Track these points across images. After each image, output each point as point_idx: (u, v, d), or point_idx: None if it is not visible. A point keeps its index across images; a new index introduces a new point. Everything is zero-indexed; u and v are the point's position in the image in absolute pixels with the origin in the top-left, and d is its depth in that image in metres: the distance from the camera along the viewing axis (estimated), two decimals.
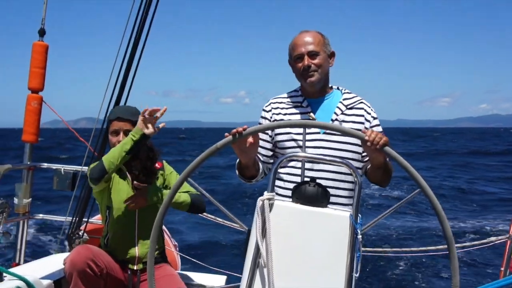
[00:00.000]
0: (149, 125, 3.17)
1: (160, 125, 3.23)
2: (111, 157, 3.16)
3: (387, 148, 2.31)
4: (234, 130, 2.37)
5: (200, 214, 3.73)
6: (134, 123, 3.30)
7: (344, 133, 2.62)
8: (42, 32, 4.76)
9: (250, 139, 2.57)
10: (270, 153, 3.07)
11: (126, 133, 3.29)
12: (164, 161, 3.52)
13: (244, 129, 2.34)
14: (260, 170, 2.98)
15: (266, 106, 3.11)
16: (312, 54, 2.92)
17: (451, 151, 50.34)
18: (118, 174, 3.40)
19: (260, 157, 3.04)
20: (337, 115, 2.96)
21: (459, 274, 2.07)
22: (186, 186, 3.43)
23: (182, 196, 3.36)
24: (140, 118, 3.16)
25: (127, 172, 3.37)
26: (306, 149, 2.91)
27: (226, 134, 2.35)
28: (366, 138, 2.36)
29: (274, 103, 3.09)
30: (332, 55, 3.02)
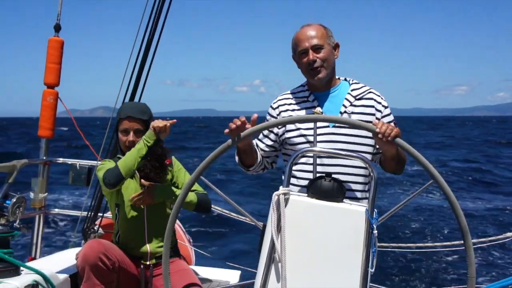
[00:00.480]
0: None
1: (170, 122, 3.21)
2: (128, 163, 3.15)
3: (399, 140, 2.29)
4: (234, 125, 2.46)
5: (216, 209, 3.73)
6: (144, 122, 3.31)
7: (354, 126, 2.58)
8: (57, 28, 4.78)
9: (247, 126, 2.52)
10: (271, 148, 3.06)
11: (136, 132, 3.30)
12: (173, 157, 3.52)
13: (242, 122, 2.43)
14: (259, 160, 2.99)
15: (274, 103, 3.10)
16: (317, 48, 2.87)
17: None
18: None
19: (259, 149, 3.05)
20: (346, 107, 2.92)
21: (474, 265, 2.05)
22: (194, 185, 3.40)
23: (189, 196, 3.34)
24: (155, 123, 3.16)
25: (135, 170, 3.37)
26: (317, 143, 2.88)
27: (226, 131, 2.42)
28: (377, 130, 2.33)
29: (282, 99, 3.08)
30: (336, 46, 2.98)
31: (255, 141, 3.08)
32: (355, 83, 3.02)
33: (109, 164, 3.31)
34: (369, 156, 2.88)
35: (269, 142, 3.06)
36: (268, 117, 3.10)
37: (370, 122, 2.82)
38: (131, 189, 3.37)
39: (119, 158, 3.35)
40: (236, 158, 2.99)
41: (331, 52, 2.92)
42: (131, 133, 3.31)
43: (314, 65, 2.87)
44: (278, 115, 3.04)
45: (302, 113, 2.97)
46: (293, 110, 3.00)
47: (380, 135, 2.34)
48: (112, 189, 3.23)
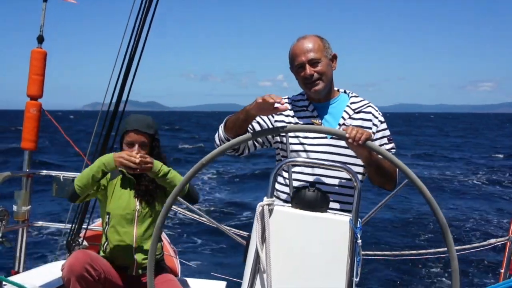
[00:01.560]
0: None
1: (140, 160, 3.20)
2: (82, 180, 3.21)
3: (369, 142, 2.33)
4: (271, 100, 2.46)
5: (202, 219, 3.71)
6: (150, 136, 3.33)
7: (326, 133, 2.69)
8: (40, 39, 4.76)
9: (281, 106, 2.52)
10: (258, 142, 3.04)
11: (141, 145, 3.30)
12: (171, 169, 3.50)
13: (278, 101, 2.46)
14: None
15: None
16: (314, 62, 2.85)
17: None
18: (120, 180, 3.41)
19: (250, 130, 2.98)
20: (345, 119, 2.91)
21: (456, 259, 2.09)
22: (177, 176, 3.36)
23: (180, 178, 3.28)
24: (119, 159, 3.17)
25: (133, 179, 3.37)
26: (313, 153, 2.87)
27: (260, 101, 2.49)
28: (347, 135, 2.35)
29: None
30: (334, 58, 2.95)
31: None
32: (354, 96, 3.02)
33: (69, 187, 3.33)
34: (362, 169, 2.86)
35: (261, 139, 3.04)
36: (258, 118, 3.00)
37: None
38: (123, 199, 3.37)
39: (121, 171, 3.39)
40: (222, 126, 2.94)
41: (328, 64, 2.90)
42: (137, 146, 3.29)
43: (311, 79, 2.86)
44: (273, 117, 3.00)
45: (303, 121, 2.94)
46: (293, 116, 2.97)
47: (350, 140, 2.35)
48: (73, 202, 3.35)
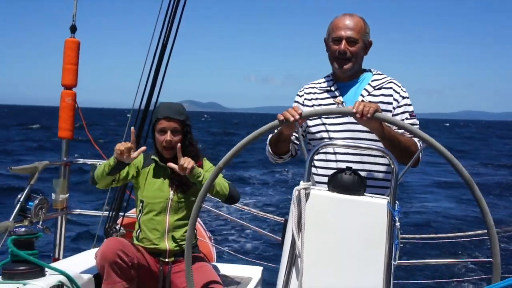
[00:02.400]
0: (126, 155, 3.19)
1: (140, 150, 3.25)
2: (99, 174, 3.31)
3: (378, 114, 2.30)
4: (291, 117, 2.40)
5: (238, 206, 3.73)
6: (181, 122, 3.34)
7: (333, 113, 2.74)
8: (73, 29, 4.80)
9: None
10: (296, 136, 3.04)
11: (173, 132, 3.32)
12: (205, 159, 3.52)
13: (299, 113, 2.39)
14: (290, 147, 3.01)
15: (300, 91, 3.15)
16: (351, 41, 2.87)
17: None
18: (153, 169, 3.43)
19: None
20: (363, 96, 2.91)
21: (490, 215, 2.03)
22: (219, 178, 3.37)
23: (223, 183, 3.33)
24: (118, 151, 3.17)
25: (167, 168, 3.39)
26: (334, 135, 2.89)
27: (281, 118, 2.39)
28: (354, 110, 2.32)
29: (307, 88, 3.12)
30: (369, 44, 2.98)
31: None
32: (378, 74, 3.01)
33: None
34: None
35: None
36: (294, 103, 3.13)
37: (390, 111, 2.81)
38: (156, 187, 3.39)
39: (154, 159, 3.42)
40: (268, 148, 3.01)
41: (362, 48, 2.92)
42: (169, 133, 3.32)
43: (344, 55, 2.88)
44: (302, 102, 3.09)
45: (327, 101, 2.99)
46: (316, 99, 3.04)
47: (358, 115, 2.32)
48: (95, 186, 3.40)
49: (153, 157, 3.43)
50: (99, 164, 4.80)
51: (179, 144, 3.23)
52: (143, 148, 3.26)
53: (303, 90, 3.14)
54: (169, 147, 3.32)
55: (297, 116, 2.37)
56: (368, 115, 2.30)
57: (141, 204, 3.45)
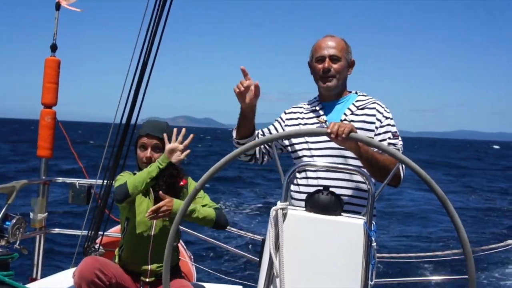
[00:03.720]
0: (177, 153, 3.27)
1: (186, 152, 3.31)
2: (136, 182, 3.24)
3: (353, 134, 2.32)
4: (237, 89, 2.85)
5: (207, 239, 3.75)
6: (162, 140, 3.37)
7: (307, 134, 2.77)
8: (54, 48, 4.80)
9: (251, 87, 2.85)
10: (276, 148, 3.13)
11: (153, 148, 3.37)
12: (189, 178, 3.52)
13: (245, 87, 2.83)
14: (255, 134, 3.11)
15: (287, 110, 3.24)
16: (334, 59, 2.95)
17: None
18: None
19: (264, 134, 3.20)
20: (346, 115, 2.95)
21: (464, 231, 2.04)
22: (206, 199, 3.43)
23: (208, 211, 3.34)
24: (168, 147, 3.26)
25: (150, 189, 3.39)
26: (315, 153, 2.94)
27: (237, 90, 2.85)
28: (329, 131, 2.35)
29: (295, 108, 3.20)
30: (352, 64, 3.05)
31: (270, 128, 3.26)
32: (363, 95, 3.07)
33: (125, 177, 3.35)
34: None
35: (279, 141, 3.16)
36: (277, 118, 3.26)
37: (372, 131, 2.85)
38: (143, 206, 3.37)
39: (135, 173, 3.41)
40: (234, 134, 3.10)
41: (346, 67, 3.00)
42: (149, 149, 3.37)
43: (327, 73, 2.95)
44: (284, 121, 3.19)
45: (311, 121, 3.05)
46: (303, 118, 3.10)
47: (332, 135, 2.36)
48: (120, 203, 3.30)
49: (135, 172, 3.44)
50: (79, 183, 4.78)
51: (160, 192, 3.27)
52: (192, 135, 3.33)
53: (290, 109, 3.22)
54: (147, 165, 3.33)
55: (242, 88, 2.83)
56: (343, 135, 2.33)
57: (126, 222, 3.44)
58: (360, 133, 2.58)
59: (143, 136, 3.40)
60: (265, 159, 3.19)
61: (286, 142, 3.12)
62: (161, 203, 3.21)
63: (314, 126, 3.00)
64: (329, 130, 2.35)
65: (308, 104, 3.15)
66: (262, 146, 3.15)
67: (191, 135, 3.34)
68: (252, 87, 2.88)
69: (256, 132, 3.16)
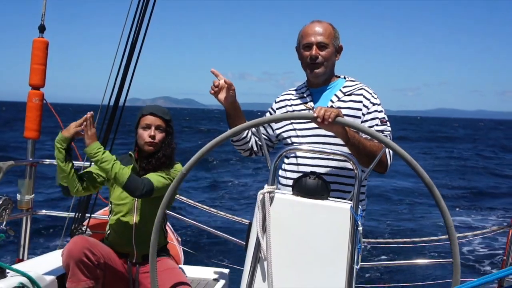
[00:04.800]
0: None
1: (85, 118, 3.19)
2: (58, 172, 3.23)
3: (339, 119, 2.34)
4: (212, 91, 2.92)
5: (204, 208, 3.74)
6: (165, 121, 3.38)
7: (293, 118, 2.80)
8: (42, 28, 4.74)
9: (222, 84, 2.90)
10: (265, 137, 3.18)
11: (157, 127, 3.35)
12: (178, 164, 3.49)
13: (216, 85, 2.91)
14: (250, 141, 3.15)
15: (277, 98, 3.24)
16: (321, 46, 2.92)
17: None
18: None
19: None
20: (333, 102, 2.95)
21: (449, 214, 2.08)
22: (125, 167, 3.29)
23: (123, 170, 3.22)
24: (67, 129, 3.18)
25: (136, 164, 3.40)
26: (303, 140, 2.94)
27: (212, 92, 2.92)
28: (315, 115, 2.36)
29: (283, 95, 3.21)
30: (340, 49, 3.03)
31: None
32: (351, 80, 3.06)
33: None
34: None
35: (268, 131, 3.18)
36: (269, 109, 3.26)
37: (359, 117, 2.85)
38: (119, 190, 3.37)
39: (130, 155, 3.42)
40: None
41: (333, 53, 2.97)
42: (153, 128, 3.35)
43: (315, 60, 2.93)
44: (275, 109, 3.20)
45: (299, 108, 3.05)
46: (291, 105, 3.10)
47: (319, 119, 2.36)
48: (69, 195, 3.35)
49: (130, 152, 3.44)
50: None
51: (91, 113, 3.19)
52: (89, 113, 3.19)
53: (280, 97, 3.22)
54: (152, 143, 3.33)
55: (216, 89, 2.90)
56: (330, 120, 2.34)
57: (110, 205, 3.44)
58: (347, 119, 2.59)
59: (146, 115, 3.37)
60: (258, 153, 3.22)
61: (276, 132, 3.11)
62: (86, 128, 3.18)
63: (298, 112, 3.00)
64: (315, 115, 2.35)
65: (297, 91, 3.15)
66: (256, 139, 3.16)
67: (90, 113, 3.19)
68: (225, 85, 2.89)
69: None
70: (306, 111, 2.39)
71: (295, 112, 3.01)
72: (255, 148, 3.19)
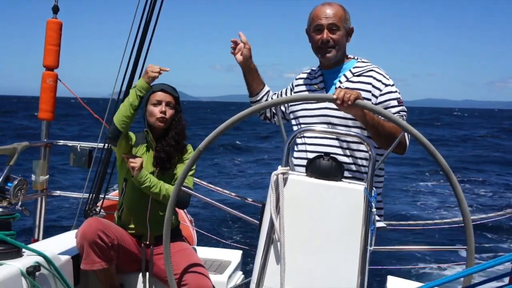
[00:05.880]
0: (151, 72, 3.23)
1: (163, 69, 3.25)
2: (120, 114, 3.23)
3: (359, 101, 2.33)
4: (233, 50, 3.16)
5: (217, 189, 3.79)
6: (175, 98, 3.41)
7: (314, 99, 2.84)
8: (56, 9, 4.74)
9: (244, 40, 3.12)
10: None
11: (167, 104, 3.36)
12: (189, 145, 3.53)
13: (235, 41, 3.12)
14: (266, 89, 3.29)
15: (298, 75, 3.29)
16: (332, 29, 2.89)
17: None
18: (144, 148, 3.43)
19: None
20: (341, 82, 2.94)
21: (465, 200, 2.08)
22: (189, 181, 3.37)
23: (164, 186, 3.33)
24: (147, 76, 3.21)
25: (153, 144, 3.40)
26: (311, 121, 2.97)
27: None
28: (335, 97, 2.34)
29: (302, 73, 3.26)
30: (351, 31, 3.00)
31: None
32: (362, 61, 3.03)
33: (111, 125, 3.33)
34: (364, 132, 2.84)
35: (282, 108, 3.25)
36: (289, 84, 3.34)
37: (369, 99, 2.83)
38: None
39: (147, 132, 3.42)
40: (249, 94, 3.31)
41: (344, 35, 2.94)
42: (163, 104, 3.36)
43: (326, 44, 2.91)
44: (292, 86, 3.28)
45: (310, 88, 3.10)
46: (304, 84, 3.16)
47: (338, 101, 2.35)
48: (114, 144, 3.31)
49: (146, 129, 3.43)
50: (80, 146, 4.79)
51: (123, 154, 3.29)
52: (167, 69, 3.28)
53: (299, 75, 3.25)
54: (163, 119, 3.33)
55: (233, 45, 3.15)
56: (349, 102, 2.32)
57: (124, 183, 3.44)
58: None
59: (156, 91, 3.37)
60: (275, 119, 3.32)
61: (288, 109, 3.14)
62: (132, 159, 3.24)
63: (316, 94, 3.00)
64: (335, 96, 2.34)
65: (312, 70, 3.16)
66: (272, 108, 3.23)
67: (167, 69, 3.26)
68: (242, 45, 3.12)
69: (271, 93, 3.30)
70: (327, 94, 2.39)
71: (316, 93, 3.02)
72: (267, 114, 3.35)
